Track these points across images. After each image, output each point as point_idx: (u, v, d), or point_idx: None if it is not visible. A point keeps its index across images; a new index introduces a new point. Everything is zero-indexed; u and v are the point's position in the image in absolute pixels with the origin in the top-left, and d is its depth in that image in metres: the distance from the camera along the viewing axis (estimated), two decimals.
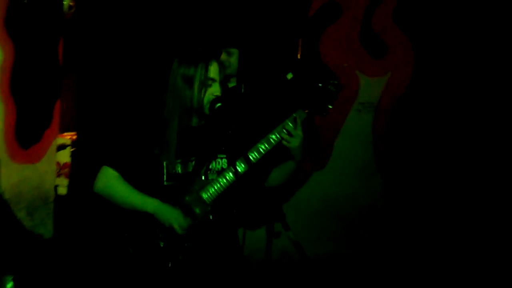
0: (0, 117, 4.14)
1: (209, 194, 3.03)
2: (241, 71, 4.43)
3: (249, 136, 3.12)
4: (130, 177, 3.03)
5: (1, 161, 4.08)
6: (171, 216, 2.94)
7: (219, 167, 3.09)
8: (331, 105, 3.11)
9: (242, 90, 4.44)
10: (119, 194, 2.98)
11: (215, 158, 3.08)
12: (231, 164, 2.99)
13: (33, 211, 4.45)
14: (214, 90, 3.02)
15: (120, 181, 2.99)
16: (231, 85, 4.52)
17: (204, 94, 2.99)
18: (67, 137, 4.89)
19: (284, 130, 3.02)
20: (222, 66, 3.04)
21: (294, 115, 3.10)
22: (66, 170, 4.82)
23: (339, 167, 5.53)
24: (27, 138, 4.39)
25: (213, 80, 3.01)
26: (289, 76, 4.66)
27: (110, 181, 2.99)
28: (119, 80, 4.83)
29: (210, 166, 3.07)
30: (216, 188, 3.02)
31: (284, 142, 3.04)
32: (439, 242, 5.34)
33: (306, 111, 3.11)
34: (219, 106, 2.95)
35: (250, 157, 2.98)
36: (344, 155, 5.54)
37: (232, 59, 4.45)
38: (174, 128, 3.01)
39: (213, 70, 3.01)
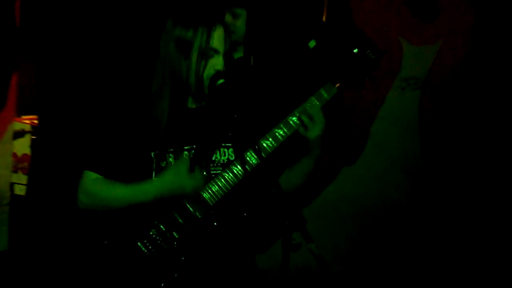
0: None
1: (211, 194, 2.97)
2: (249, 38, 4.32)
3: (260, 121, 3.08)
4: (113, 177, 2.97)
5: None
6: (183, 183, 2.90)
7: (224, 158, 3.05)
8: (369, 77, 3.08)
9: (251, 62, 4.36)
10: (117, 202, 2.95)
11: (218, 148, 3.04)
12: (239, 155, 2.94)
13: None
14: (217, 62, 2.94)
15: (111, 186, 2.95)
16: (237, 55, 4.39)
17: (204, 68, 2.92)
18: (26, 121, 4.77)
19: (308, 111, 2.96)
20: (227, 32, 2.96)
21: (321, 90, 3.03)
22: (25, 164, 4.71)
23: (376, 160, 5.37)
24: None
25: (215, 50, 2.93)
26: (312, 44, 4.56)
27: (101, 192, 2.96)
28: (94, 42, 4.68)
29: (213, 158, 3.03)
30: (220, 185, 2.96)
31: (301, 130, 2.97)
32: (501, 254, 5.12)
33: (337, 85, 3.04)
34: (221, 83, 2.89)
35: (264, 145, 2.94)
36: (382, 145, 5.38)
37: (238, 22, 4.33)
38: (164, 109, 2.96)
39: (217, 38, 2.94)
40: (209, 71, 2.92)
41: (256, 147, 2.81)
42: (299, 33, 4.88)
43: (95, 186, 2.95)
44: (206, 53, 2.91)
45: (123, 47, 4.71)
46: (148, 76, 3.05)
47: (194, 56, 2.90)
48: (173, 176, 2.88)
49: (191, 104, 3.03)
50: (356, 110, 5.33)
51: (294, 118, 2.99)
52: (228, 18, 4.21)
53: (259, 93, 4.26)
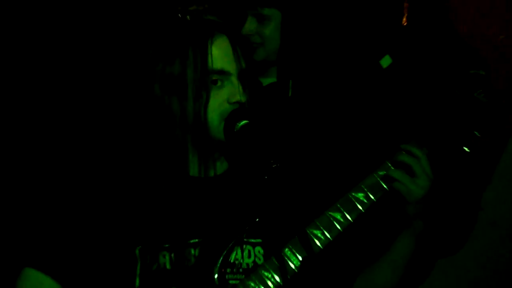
0: None
1: None
2: (286, 53, 3.74)
3: (308, 187, 2.96)
4: (68, 283, 2.74)
5: None
6: None
7: (249, 261, 2.82)
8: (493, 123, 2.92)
9: (289, 91, 3.83)
10: None
11: (240, 244, 2.83)
12: (275, 252, 2.72)
13: None
14: (228, 91, 2.71)
15: None
16: (266, 81, 3.84)
17: (206, 105, 2.71)
18: None
19: (404, 160, 2.81)
20: (236, 42, 2.77)
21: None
22: None
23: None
24: None
25: (220, 72, 2.69)
26: (386, 62, 3.98)
27: None
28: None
29: (231, 259, 2.81)
30: None
31: (401, 187, 2.81)
32: None
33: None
34: (244, 126, 2.65)
35: (315, 237, 2.77)
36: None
37: (267, 29, 3.74)
38: (150, 182, 2.81)
39: (219, 53, 2.73)
40: (216, 108, 2.71)
41: (302, 239, 2.63)
42: (365, 45, 4.13)
43: None
44: (205, 80, 2.72)
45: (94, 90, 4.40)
46: (123, 138, 3.12)
47: (190, 92, 2.74)
48: None
49: (194, 171, 2.84)
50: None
51: (377, 177, 2.84)
52: (250, 24, 3.75)
53: (305, 141, 3.75)
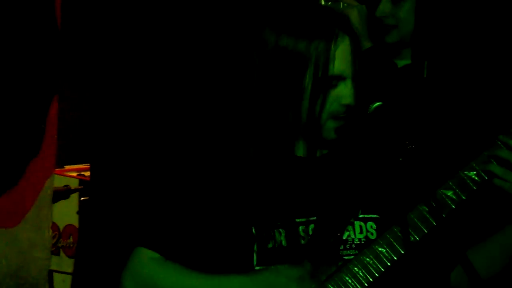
0: None
1: None
2: (421, 34, 3.74)
3: (436, 168, 2.98)
4: (186, 261, 2.75)
5: None
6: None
7: (361, 236, 2.83)
8: None
9: (424, 73, 3.79)
10: None
11: (354, 219, 2.84)
12: (400, 221, 2.74)
13: None
14: (342, 93, 2.72)
15: (174, 274, 2.75)
16: (401, 63, 3.81)
17: (323, 104, 2.73)
18: (72, 174, 4.53)
19: (504, 156, 2.73)
20: (356, 44, 2.76)
21: None
22: (70, 241, 4.33)
23: None
24: None
25: (339, 77, 2.71)
26: None
27: (158, 280, 2.77)
28: (169, 59, 4.37)
29: (345, 235, 2.82)
30: (360, 277, 2.75)
31: (505, 185, 2.74)
32: None
33: None
34: (378, 107, 2.67)
35: (447, 198, 2.79)
36: None
37: (402, 11, 3.74)
38: (260, 163, 2.82)
39: (341, 57, 2.72)
40: (327, 109, 2.74)
41: (432, 203, 2.67)
42: (500, 29, 4.11)
43: (150, 270, 2.77)
44: (325, 82, 2.74)
45: (204, 66, 4.47)
46: (234, 118, 3.03)
47: (307, 85, 2.74)
48: (275, 278, 2.72)
49: (300, 152, 2.88)
50: None
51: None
52: (385, 6, 3.76)
53: (439, 122, 3.73)
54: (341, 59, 2.67)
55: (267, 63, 2.77)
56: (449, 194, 2.73)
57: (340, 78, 2.66)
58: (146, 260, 2.73)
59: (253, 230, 2.70)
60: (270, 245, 2.73)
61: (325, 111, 2.69)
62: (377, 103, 2.60)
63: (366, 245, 2.74)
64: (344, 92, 2.67)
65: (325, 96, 2.70)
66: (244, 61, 2.91)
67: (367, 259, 2.70)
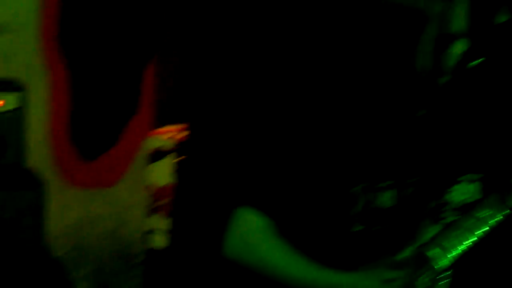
0: (39, 100, 3.82)
1: (442, 254, 2.65)
2: None
3: None
4: (287, 223, 2.62)
5: (48, 184, 3.70)
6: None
7: (462, 198, 2.77)
8: None
9: None
10: (274, 269, 2.64)
11: (456, 181, 2.77)
12: (503, 185, 2.67)
13: (104, 280, 4.17)
14: (457, 50, 2.70)
15: (274, 244, 2.62)
16: (502, 18, 3.35)
17: (439, 62, 2.74)
18: (168, 134, 4.51)
19: None
20: (477, 5, 2.74)
21: None
22: (167, 201, 4.32)
23: None
24: (93, 139, 4.05)
25: (456, 36, 2.70)
26: None
27: (254, 244, 2.63)
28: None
29: (447, 196, 2.79)
30: (460, 241, 2.66)
31: None
32: None
33: None
34: (476, 64, 2.68)
35: None
36: None
37: None
38: (370, 121, 2.80)
39: (460, 15, 2.70)
40: (444, 64, 2.74)
41: None
42: None
43: (258, 239, 2.62)
44: (442, 40, 2.73)
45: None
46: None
47: (425, 42, 2.70)
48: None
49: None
50: None
51: None
52: None
53: None
54: (459, 17, 2.66)
55: (381, 19, 2.72)
56: None
57: (455, 36, 2.65)
58: (254, 227, 2.61)
59: (359, 190, 2.69)
60: (375, 205, 2.70)
61: (439, 68, 2.69)
62: (477, 61, 2.58)
63: (469, 208, 2.66)
64: (458, 48, 2.65)
65: (441, 54, 2.70)
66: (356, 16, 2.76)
67: (468, 222, 2.62)
